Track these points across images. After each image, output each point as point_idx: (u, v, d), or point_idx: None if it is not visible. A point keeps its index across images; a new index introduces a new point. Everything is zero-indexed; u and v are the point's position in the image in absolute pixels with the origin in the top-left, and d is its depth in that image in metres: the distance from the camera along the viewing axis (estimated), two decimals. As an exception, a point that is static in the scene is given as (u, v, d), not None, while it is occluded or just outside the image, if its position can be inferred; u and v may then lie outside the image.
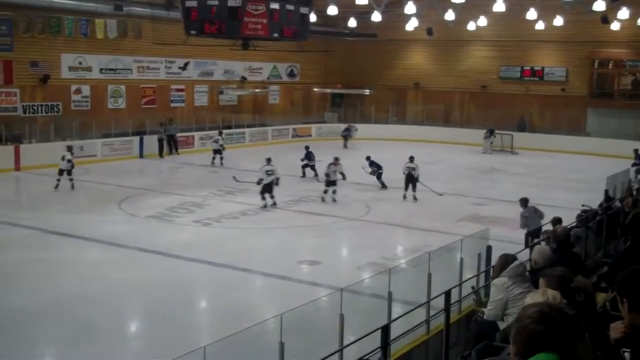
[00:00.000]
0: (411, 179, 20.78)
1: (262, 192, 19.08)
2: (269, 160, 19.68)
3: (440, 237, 15.95)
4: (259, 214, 18.81)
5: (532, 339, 2.53)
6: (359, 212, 19.31)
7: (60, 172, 21.34)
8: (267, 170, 19.17)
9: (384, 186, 22.78)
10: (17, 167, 24.97)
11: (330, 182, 20.44)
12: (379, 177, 23.11)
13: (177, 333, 10.27)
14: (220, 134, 29.35)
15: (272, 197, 19.24)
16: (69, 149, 22.36)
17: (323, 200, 20.29)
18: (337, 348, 7.76)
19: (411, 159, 21.30)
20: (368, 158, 23.77)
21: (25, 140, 26.23)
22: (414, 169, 20.89)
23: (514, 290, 6.70)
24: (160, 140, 30.07)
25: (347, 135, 35.85)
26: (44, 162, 25.12)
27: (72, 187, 21.29)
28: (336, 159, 21.55)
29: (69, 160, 21.41)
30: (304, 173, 24.85)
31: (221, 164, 27.40)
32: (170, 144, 30.58)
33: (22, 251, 14.62)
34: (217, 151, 27.91)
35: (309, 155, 25.06)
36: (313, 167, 24.72)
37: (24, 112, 27.54)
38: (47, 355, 10.05)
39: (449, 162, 30.48)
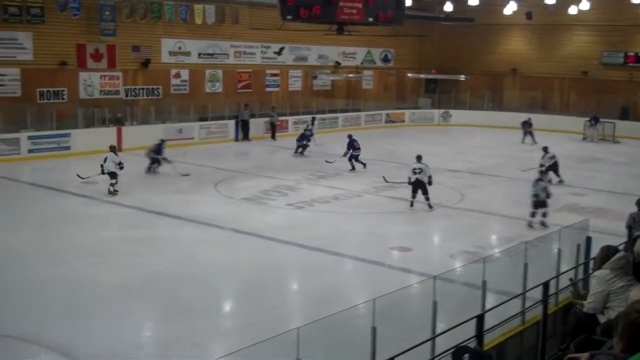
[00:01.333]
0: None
1: (414, 191, 17.44)
2: (419, 158, 17.82)
3: (537, 227, 15.58)
4: (350, 198, 18.84)
5: (637, 333, 2.42)
6: (452, 199, 19.03)
7: (112, 175, 18.55)
8: (415, 169, 17.42)
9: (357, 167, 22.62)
10: (120, 148, 25.91)
11: (539, 203, 16.10)
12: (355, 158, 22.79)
13: (268, 314, 10.43)
14: (313, 120, 29.27)
15: (426, 198, 17.36)
16: (113, 149, 19.51)
17: (531, 225, 16.02)
18: (428, 336, 7.69)
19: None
20: (349, 136, 23.53)
21: (126, 123, 27.18)
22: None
23: (616, 283, 6.44)
24: (237, 124, 30.35)
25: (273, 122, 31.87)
26: (144, 143, 25.98)
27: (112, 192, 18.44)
28: (543, 172, 18.22)
29: (119, 163, 18.77)
30: (352, 166, 23.02)
31: (301, 153, 26.34)
32: (245, 130, 30.44)
33: (121, 229, 15.19)
34: (303, 141, 26.80)
35: (352, 144, 23.15)
36: (357, 158, 23.07)
37: (126, 95, 28.54)
38: (144, 329, 10.39)
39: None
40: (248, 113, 30.71)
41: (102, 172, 18.28)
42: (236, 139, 30.25)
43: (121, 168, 18.62)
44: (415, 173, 17.32)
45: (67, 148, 24.68)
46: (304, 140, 26.43)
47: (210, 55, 31.71)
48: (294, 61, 35.53)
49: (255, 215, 16.93)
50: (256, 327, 9.46)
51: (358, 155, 23.08)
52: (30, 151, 23.71)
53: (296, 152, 26.16)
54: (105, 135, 25.79)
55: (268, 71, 34.45)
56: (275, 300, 11.32)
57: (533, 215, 16.07)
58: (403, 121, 38.32)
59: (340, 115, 35.58)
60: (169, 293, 11.25)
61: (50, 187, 19.47)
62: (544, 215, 16.01)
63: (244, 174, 22.23)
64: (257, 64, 33.78)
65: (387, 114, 37.99)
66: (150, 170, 21.53)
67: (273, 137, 30.96)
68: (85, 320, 9.98)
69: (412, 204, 17.47)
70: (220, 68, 32.16)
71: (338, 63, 37.20)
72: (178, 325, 9.93)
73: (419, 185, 17.32)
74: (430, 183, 17.32)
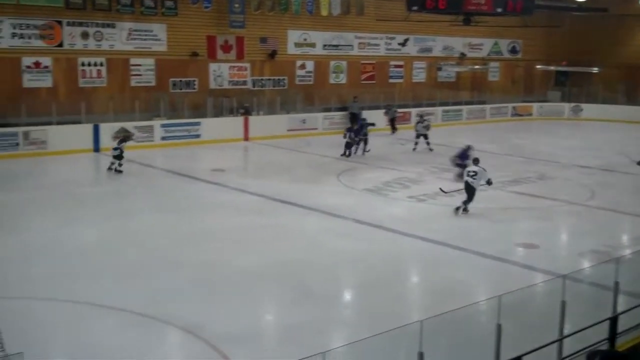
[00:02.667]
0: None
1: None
2: (475, 161, 16.31)
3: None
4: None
5: None
6: (582, 196, 18.31)
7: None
8: (470, 171, 15.88)
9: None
10: (246, 137, 26.72)
11: None
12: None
13: (389, 305, 10.43)
14: (421, 118, 26.66)
15: (465, 202, 15.84)
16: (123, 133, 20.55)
17: None
18: (556, 336, 7.48)
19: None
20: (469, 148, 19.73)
21: (253, 112, 27.93)
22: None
23: None
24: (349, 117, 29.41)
25: (391, 117, 30.85)
26: (269, 133, 26.68)
27: (117, 169, 19.85)
28: None
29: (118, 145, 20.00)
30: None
31: (429, 148, 25.30)
32: (352, 121, 28.09)
33: (250, 216, 15.63)
34: (421, 134, 25.58)
35: (463, 155, 19.48)
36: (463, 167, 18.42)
37: (253, 86, 29.32)
38: (269, 313, 10.68)
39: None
40: (357, 106, 30.17)
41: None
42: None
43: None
44: (469, 175, 15.74)
45: (198, 136, 25.68)
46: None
47: (335, 46, 32.00)
48: (418, 52, 35.25)
49: (377, 206, 16.96)
50: (378, 318, 9.50)
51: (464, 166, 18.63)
52: (163, 138, 24.87)
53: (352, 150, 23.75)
54: (233, 124, 26.71)
55: (392, 62, 34.35)
56: (397, 292, 11.31)
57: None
58: (530, 114, 37.18)
59: (465, 108, 34.98)
60: (294, 279, 11.48)
61: (182, 173, 20.31)
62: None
63: (366, 165, 22.32)
64: (381, 55, 33.76)
65: (514, 107, 37.00)
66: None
67: (393, 130, 30.48)
68: (213, 303, 10.36)
69: (458, 210, 15.85)
70: (344, 59, 32.39)
71: (463, 54, 36.55)
72: (302, 311, 10.12)
73: (468, 190, 15.74)
74: (490, 183, 15.82)
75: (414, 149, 25.30)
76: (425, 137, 25.37)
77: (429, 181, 19.71)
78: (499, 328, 6.98)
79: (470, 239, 14.13)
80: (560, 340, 7.42)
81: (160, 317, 9.61)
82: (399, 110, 31.39)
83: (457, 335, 8.49)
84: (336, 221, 15.34)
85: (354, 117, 29.18)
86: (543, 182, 19.94)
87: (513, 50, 39.47)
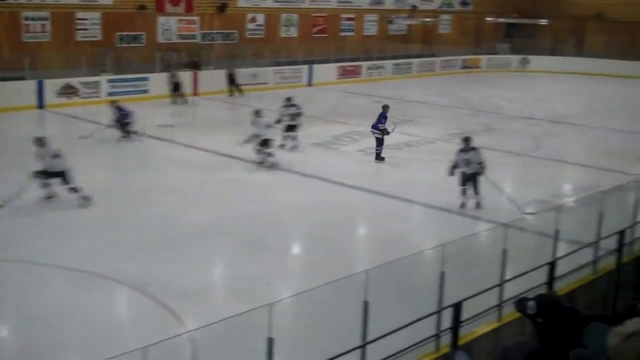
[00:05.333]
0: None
1: (463, 185, 13.30)
2: (466, 141, 13.46)
3: (615, 176, 15.13)
4: (422, 145, 18.71)
5: None
6: (527, 147, 18.65)
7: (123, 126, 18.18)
8: (465, 160, 13.24)
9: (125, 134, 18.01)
10: (195, 92, 26.35)
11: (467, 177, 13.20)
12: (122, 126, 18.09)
13: (337, 256, 10.58)
14: (288, 101, 18.39)
15: (476, 193, 13.28)
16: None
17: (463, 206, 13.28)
18: (497, 282, 7.69)
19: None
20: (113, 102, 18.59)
21: (202, 67, 27.52)
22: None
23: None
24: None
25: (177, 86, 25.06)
26: (219, 88, 26.33)
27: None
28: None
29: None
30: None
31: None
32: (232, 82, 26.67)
33: (200, 172, 15.55)
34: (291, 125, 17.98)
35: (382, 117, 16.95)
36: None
37: (202, 40, 28.84)
38: (218, 268, 10.74)
39: (631, 98, 28.57)
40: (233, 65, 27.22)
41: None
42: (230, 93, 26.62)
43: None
44: (467, 164, 13.11)
45: (145, 92, 25.23)
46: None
47: (286, -1, 31.62)
48: (370, 5, 35.04)
49: (326, 160, 17.03)
50: (326, 269, 9.62)
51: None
52: (109, 94, 24.34)
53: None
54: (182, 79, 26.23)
55: (343, 15, 34.10)
56: (345, 243, 11.47)
57: (463, 192, 13.23)
58: (479, 67, 37.46)
59: (415, 61, 35.04)
60: (244, 233, 11.54)
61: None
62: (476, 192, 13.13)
63: (317, 119, 22.27)
64: (333, 8, 33.48)
65: (464, 60, 37.22)
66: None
67: (238, 91, 26.68)
68: (163, 258, 10.35)
69: (463, 205, 13.25)
70: (295, 12, 32.04)
71: (415, 7, 36.48)
72: (252, 265, 10.20)
73: (470, 179, 13.18)
74: (482, 171, 13.13)
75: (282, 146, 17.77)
76: (294, 129, 17.91)
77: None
78: (442, 275, 7.14)
79: (417, 191, 14.33)
80: (499, 285, 7.63)
81: (110, 274, 9.57)
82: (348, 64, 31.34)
83: (403, 284, 8.68)
84: (286, 175, 15.38)
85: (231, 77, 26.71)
86: (489, 134, 20.22)
87: (464, 3, 39.54)
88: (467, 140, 13.42)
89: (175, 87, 24.79)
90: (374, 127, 16.95)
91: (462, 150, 13.27)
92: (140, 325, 8.36)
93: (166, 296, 8.86)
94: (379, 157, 16.73)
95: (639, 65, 34.11)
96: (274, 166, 15.81)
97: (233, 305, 8.58)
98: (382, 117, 16.96)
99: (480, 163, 13.11)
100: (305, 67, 30.16)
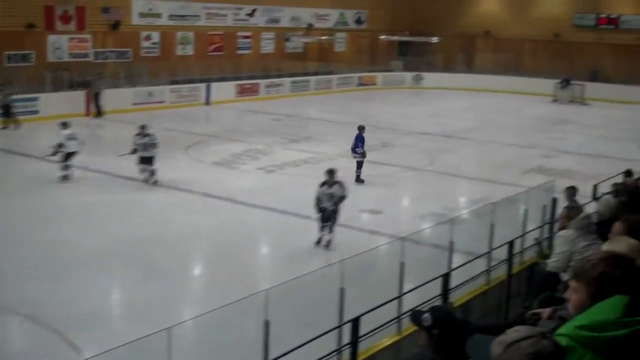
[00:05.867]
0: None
1: (324, 221, 12.14)
2: (331, 174, 12.26)
3: (505, 188, 15.70)
4: (322, 162, 18.84)
5: (607, 282, 2.51)
6: (422, 162, 19.16)
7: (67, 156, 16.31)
8: (329, 193, 12.05)
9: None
10: (88, 112, 25.58)
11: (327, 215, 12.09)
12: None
13: (238, 275, 10.50)
14: (142, 129, 16.32)
15: (330, 231, 12.06)
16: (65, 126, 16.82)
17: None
18: (395, 295, 7.82)
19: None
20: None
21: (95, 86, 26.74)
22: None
23: (579, 242, 6.59)
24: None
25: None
26: (113, 107, 25.68)
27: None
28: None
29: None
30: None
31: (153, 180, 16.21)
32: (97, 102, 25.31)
33: (94, 194, 15.10)
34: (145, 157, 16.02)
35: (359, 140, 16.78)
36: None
37: (95, 58, 28.10)
38: (115, 293, 10.43)
39: (518, 112, 29.93)
40: (100, 83, 25.94)
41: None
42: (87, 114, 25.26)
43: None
44: (329, 199, 12.03)
45: (36, 112, 24.29)
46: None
47: (182, 17, 31.30)
48: (266, 23, 35.20)
49: (226, 179, 16.91)
50: (227, 290, 9.52)
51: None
52: (-3, 115, 23.30)
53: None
54: (74, 98, 25.43)
55: (240, 33, 34.10)
56: (246, 263, 11.40)
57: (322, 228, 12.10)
58: (375, 84, 38.25)
59: (312, 79, 35.40)
60: (142, 257, 11.27)
61: (19, 152, 19.22)
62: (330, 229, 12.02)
63: (215, 137, 22.12)
64: (229, 26, 33.42)
65: (359, 77, 37.90)
66: None
67: (98, 112, 25.27)
68: (58, 285, 9.95)
69: (319, 241, 12.06)
70: (191, 30, 31.76)
71: (311, 25, 36.93)
72: (151, 289, 9.96)
73: (330, 217, 12.04)
74: (342, 199, 12.08)
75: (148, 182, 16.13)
76: (150, 161, 15.96)
77: (277, 152, 19.87)
78: (342, 291, 7.20)
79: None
80: (398, 297, 7.77)
81: (1, 303, 9.12)
82: (246, 82, 31.34)
83: (304, 301, 8.69)
84: (184, 196, 15.15)
85: (97, 96, 25.47)
86: (386, 150, 20.66)
87: (358, 21, 40.35)
88: (331, 172, 12.17)
89: (5, 110, 22.56)
90: (353, 150, 16.78)
91: (325, 184, 12.11)
92: (35, 356, 8.00)
93: (63, 326, 8.53)
94: (358, 180, 16.44)
95: (523, 80, 35.77)
96: (156, 183, 15.68)
97: (132, 331, 8.35)
98: (359, 139, 16.71)
99: (343, 197, 12.01)
100: (202, 86, 29.87)
